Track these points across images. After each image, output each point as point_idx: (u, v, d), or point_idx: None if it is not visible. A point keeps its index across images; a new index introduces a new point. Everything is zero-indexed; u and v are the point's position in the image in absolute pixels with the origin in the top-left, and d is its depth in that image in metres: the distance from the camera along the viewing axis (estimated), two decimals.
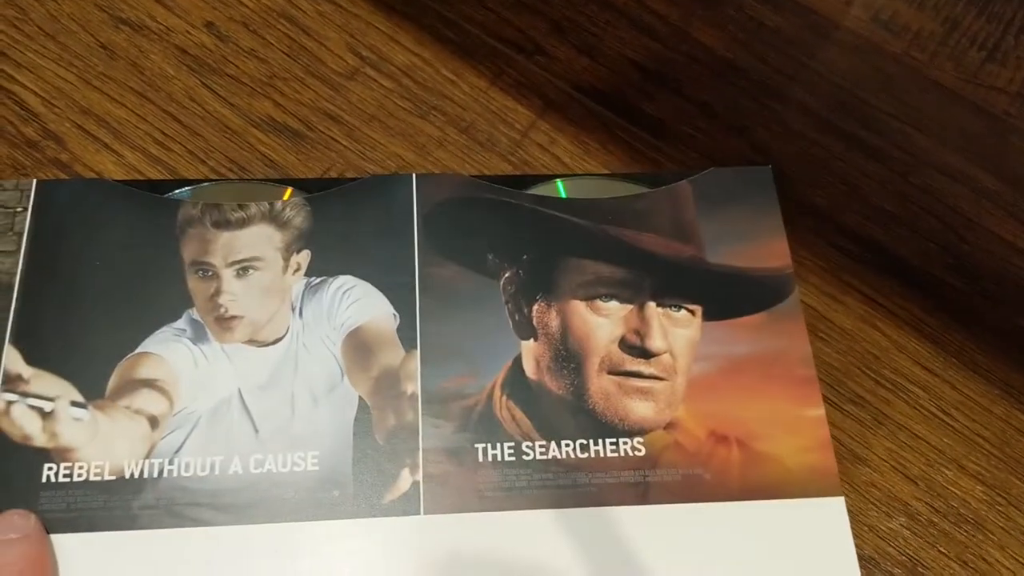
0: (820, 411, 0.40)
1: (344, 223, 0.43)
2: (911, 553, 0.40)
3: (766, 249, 0.44)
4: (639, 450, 0.39)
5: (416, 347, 0.40)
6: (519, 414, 0.40)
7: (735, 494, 0.39)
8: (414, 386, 0.39)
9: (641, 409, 0.40)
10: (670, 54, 0.51)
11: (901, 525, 0.40)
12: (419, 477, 0.38)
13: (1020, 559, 0.40)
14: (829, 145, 0.49)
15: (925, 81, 0.52)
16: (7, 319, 0.39)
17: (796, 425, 0.40)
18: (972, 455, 0.42)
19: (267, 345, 0.40)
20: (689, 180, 0.45)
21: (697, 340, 0.42)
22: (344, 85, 0.49)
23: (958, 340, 0.45)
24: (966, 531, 0.41)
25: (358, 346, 0.40)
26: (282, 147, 0.46)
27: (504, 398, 0.40)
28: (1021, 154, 0.50)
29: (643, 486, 0.38)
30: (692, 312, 0.42)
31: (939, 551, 0.40)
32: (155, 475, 0.37)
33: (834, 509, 0.39)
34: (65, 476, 0.37)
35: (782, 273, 0.43)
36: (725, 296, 0.43)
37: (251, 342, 0.40)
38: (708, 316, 0.42)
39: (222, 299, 0.40)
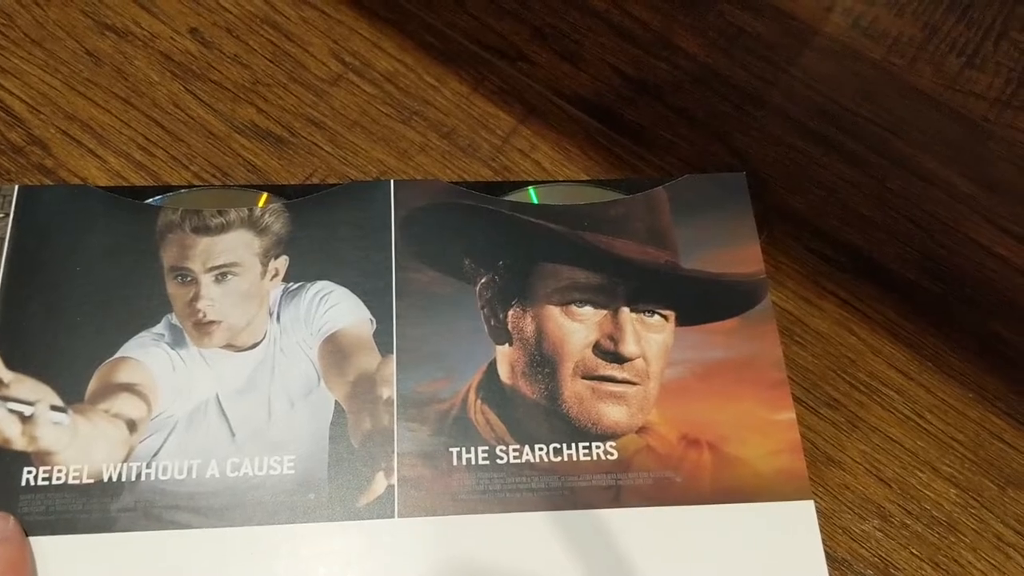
0: (791, 414, 0.41)
1: (322, 229, 0.43)
2: (883, 555, 0.40)
3: (739, 255, 0.44)
4: (612, 454, 0.40)
5: (392, 352, 0.41)
6: (493, 418, 0.40)
7: (706, 497, 0.39)
8: (390, 391, 0.40)
9: (614, 413, 0.40)
10: (651, 61, 0.52)
11: (874, 527, 0.41)
12: (394, 480, 0.38)
13: (992, 561, 0.40)
14: (808, 150, 0.50)
15: (904, 87, 0.52)
16: None
17: (767, 428, 0.40)
18: (946, 458, 0.43)
19: (245, 350, 0.40)
20: (664, 187, 0.46)
21: (670, 345, 0.42)
22: (327, 91, 0.49)
23: (933, 344, 0.45)
24: (939, 533, 0.41)
25: (335, 351, 0.41)
26: (265, 152, 0.47)
27: (479, 402, 0.40)
28: (999, 159, 0.50)
29: (615, 489, 0.39)
30: (666, 317, 0.42)
31: (912, 553, 0.40)
32: (133, 478, 0.38)
33: (804, 512, 0.39)
34: (44, 479, 0.37)
35: (755, 279, 0.44)
36: (698, 302, 0.43)
37: (229, 347, 0.40)
38: (681, 321, 0.42)
39: (200, 304, 0.41)
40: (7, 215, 0.42)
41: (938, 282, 0.47)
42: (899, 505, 0.41)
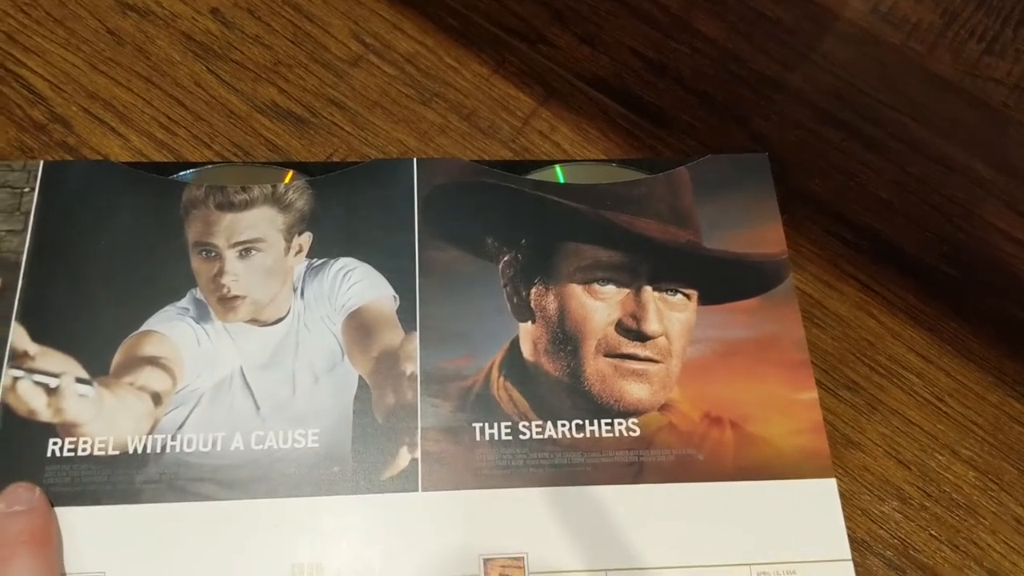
0: (813, 394, 0.41)
1: (346, 206, 0.43)
2: (903, 536, 0.40)
3: (761, 235, 0.44)
4: (634, 431, 0.40)
5: (416, 328, 0.41)
6: (516, 395, 0.40)
7: (728, 474, 0.39)
8: (413, 366, 0.40)
9: (636, 391, 0.41)
10: (671, 44, 0.52)
11: (893, 509, 0.41)
12: (417, 455, 0.39)
13: (1011, 543, 0.40)
14: (828, 135, 0.50)
15: (924, 72, 0.52)
16: (14, 297, 0.40)
17: (789, 408, 0.41)
18: (965, 441, 0.43)
19: (269, 325, 0.41)
20: (687, 167, 0.46)
21: (692, 324, 0.42)
22: (348, 72, 0.49)
23: (953, 328, 0.45)
24: (958, 515, 0.41)
25: (358, 327, 0.41)
26: (286, 132, 0.47)
27: (502, 379, 0.40)
28: (1018, 145, 0.50)
29: (637, 466, 0.39)
30: (688, 296, 0.43)
31: (931, 534, 0.40)
32: (158, 450, 0.38)
33: (825, 490, 0.39)
34: (70, 451, 0.37)
35: (777, 259, 0.44)
36: (720, 281, 0.43)
37: (253, 321, 0.41)
38: (704, 300, 0.43)
39: (225, 279, 0.41)
40: (32, 190, 0.42)
41: (957, 267, 0.47)
42: (918, 487, 0.41)
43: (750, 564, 0.38)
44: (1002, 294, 0.46)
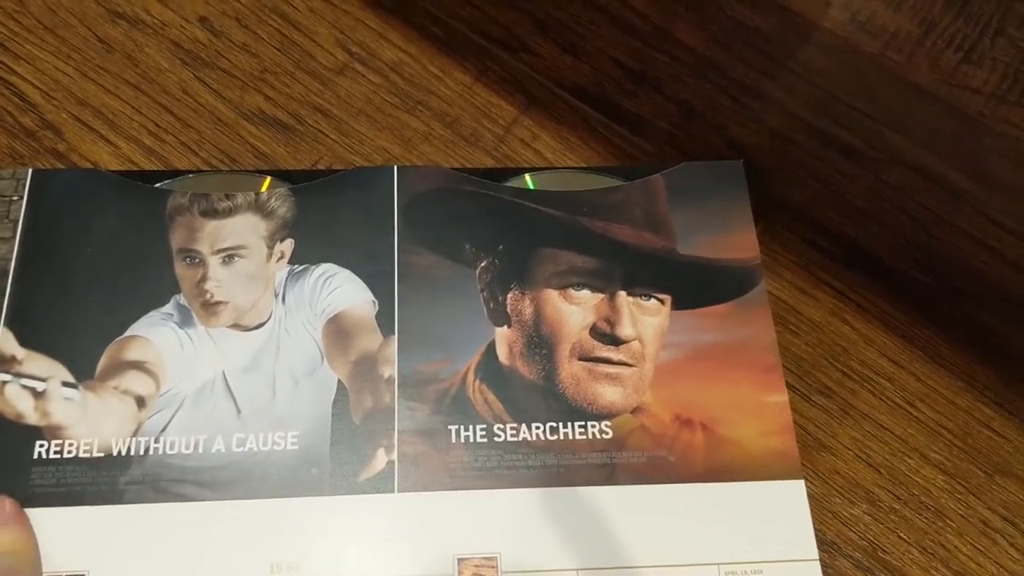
0: (783, 397, 0.42)
1: (327, 213, 0.44)
2: (872, 538, 0.41)
3: (735, 241, 0.45)
4: (607, 433, 0.41)
5: (394, 333, 0.42)
6: (491, 397, 0.41)
7: (699, 475, 0.40)
8: (391, 370, 0.41)
9: (609, 394, 0.41)
10: (651, 53, 0.52)
11: (863, 511, 0.42)
12: (394, 457, 0.40)
13: (977, 545, 0.41)
14: (805, 143, 0.50)
15: (901, 81, 0.53)
16: (2, 303, 0.41)
17: (759, 410, 0.42)
18: (935, 445, 0.44)
19: (250, 329, 0.41)
20: (662, 174, 0.47)
21: (666, 328, 0.43)
22: (333, 80, 0.50)
23: (925, 334, 0.46)
24: (926, 518, 0.42)
25: (338, 331, 0.42)
26: (272, 140, 0.48)
27: (477, 382, 0.41)
28: (994, 154, 0.51)
29: (610, 467, 0.40)
30: (662, 301, 0.44)
31: (899, 536, 0.41)
32: (141, 453, 0.39)
33: (794, 491, 0.40)
34: (55, 453, 0.38)
35: (750, 264, 0.45)
36: (694, 286, 0.44)
37: (235, 326, 0.41)
38: (677, 305, 0.44)
39: (208, 285, 0.42)
40: (21, 198, 0.43)
41: (931, 274, 0.48)
42: (888, 490, 0.42)
43: (718, 564, 0.38)
44: (974, 301, 0.47)
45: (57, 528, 0.37)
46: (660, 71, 0.52)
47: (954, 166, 0.51)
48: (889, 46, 0.54)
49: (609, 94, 0.51)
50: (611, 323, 0.43)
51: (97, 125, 0.47)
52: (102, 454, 0.39)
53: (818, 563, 0.39)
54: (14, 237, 0.42)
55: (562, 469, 0.40)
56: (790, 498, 0.40)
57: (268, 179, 0.45)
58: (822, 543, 0.40)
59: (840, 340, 0.46)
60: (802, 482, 0.40)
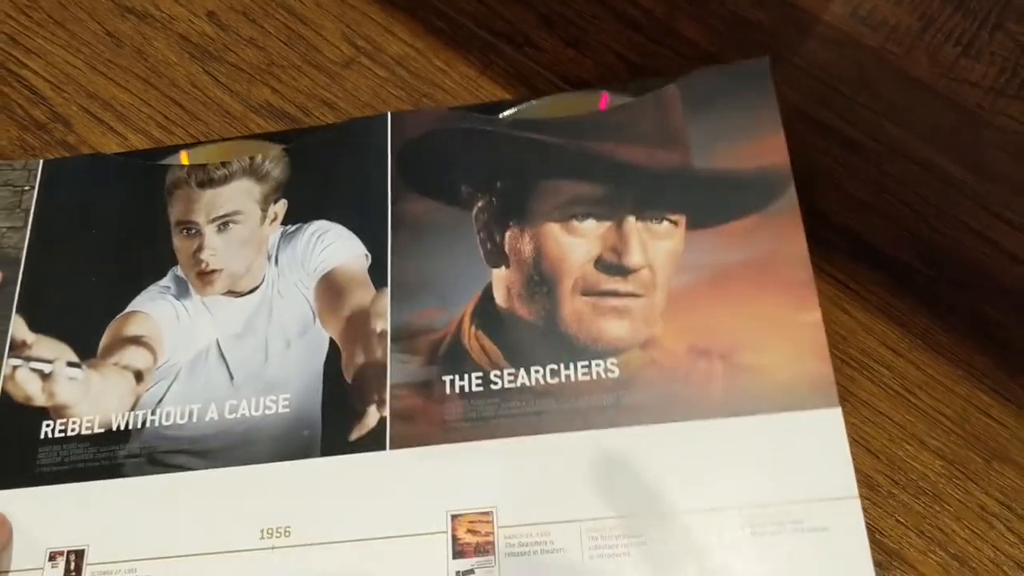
0: (817, 315, 0.38)
1: (321, 169, 0.44)
2: (870, 522, 0.42)
3: (759, 146, 0.41)
4: (612, 371, 0.38)
5: (387, 285, 0.41)
6: (488, 343, 0.39)
7: (717, 411, 0.37)
8: (384, 324, 0.40)
9: (616, 328, 0.39)
10: (654, 47, 0.53)
11: (862, 496, 0.42)
12: (386, 413, 0.39)
13: (975, 529, 0.42)
14: (807, 136, 0.51)
15: (901, 75, 0.53)
16: (14, 290, 0.42)
17: (791, 332, 0.38)
18: (933, 432, 0.44)
19: (244, 295, 0.42)
20: (676, 82, 0.43)
21: (680, 251, 0.40)
22: (340, 73, 0.51)
23: (924, 323, 0.47)
24: (924, 503, 0.42)
25: (329, 289, 0.42)
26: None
27: (473, 328, 0.40)
28: (992, 147, 0.52)
29: (616, 408, 0.37)
30: (675, 222, 0.40)
31: (897, 520, 0.42)
32: (139, 426, 0.39)
33: (830, 421, 0.36)
34: (61, 431, 0.39)
35: (777, 170, 0.41)
36: (712, 201, 0.41)
37: (230, 293, 0.42)
38: (693, 224, 0.40)
39: (204, 254, 0.42)
40: (32, 188, 0.44)
41: (931, 265, 0.48)
42: (886, 475, 0.43)
43: (739, 507, 0.35)
44: (972, 291, 0.47)
45: (58, 506, 0.38)
46: (662, 65, 0.52)
47: (953, 159, 0.51)
48: (889, 39, 0.54)
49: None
50: (618, 252, 0.40)
51: (107, 117, 0.48)
52: (102, 430, 0.39)
53: (857, 501, 0.35)
54: (26, 226, 0.43)
55: (565, 413, 0.37)
56: (825, 429, 0.36)
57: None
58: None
59: (839, 328, 0.46)
60: (839, 411, 0.36)
